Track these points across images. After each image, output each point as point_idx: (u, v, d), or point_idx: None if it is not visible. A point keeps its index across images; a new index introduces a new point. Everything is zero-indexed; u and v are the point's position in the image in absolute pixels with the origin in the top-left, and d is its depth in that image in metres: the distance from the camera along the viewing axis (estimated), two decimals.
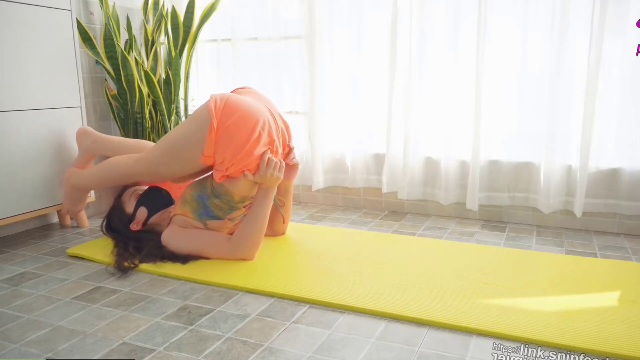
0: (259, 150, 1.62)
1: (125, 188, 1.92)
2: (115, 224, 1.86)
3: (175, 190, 1.94)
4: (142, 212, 1.83)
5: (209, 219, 1.73)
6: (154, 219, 1.84)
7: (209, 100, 1.66)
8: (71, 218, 2.24)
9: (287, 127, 1.80)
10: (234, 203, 1.70)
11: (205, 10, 2.45)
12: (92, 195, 2.19)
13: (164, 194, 1.89)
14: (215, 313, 1.36)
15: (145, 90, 2.34)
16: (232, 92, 1.84)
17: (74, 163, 2.06)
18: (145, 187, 1.90)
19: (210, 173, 1.74)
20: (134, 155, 1.85)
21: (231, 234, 1.79)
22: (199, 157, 1.65)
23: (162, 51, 2.52)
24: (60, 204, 2.07)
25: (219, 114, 1.61)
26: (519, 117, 2.14)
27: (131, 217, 1.83)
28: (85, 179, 1.98)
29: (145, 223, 1.84)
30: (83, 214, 2.18)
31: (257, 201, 1.70)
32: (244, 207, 1.74)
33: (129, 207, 1.84)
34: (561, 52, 1.98)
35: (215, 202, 1.71)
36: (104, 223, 1.91)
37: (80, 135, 2.04)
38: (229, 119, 1.60)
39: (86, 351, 1.18)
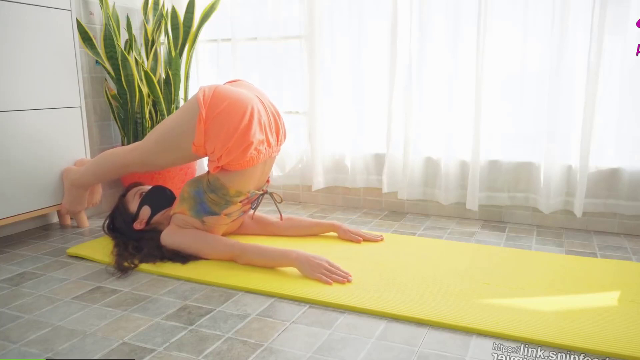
0: (252, 137, 1.61)
1: (129, 188, 1.93)
2: (119, 223, 1.87)
3: (176, 190, 1.95)
4: (146, 211, 1.83)
5: (206, 215, 1.73)
6: (157, 217, 1.84)
7: (198, 92, 1.67)
8: (71, 218, 2.24)
9: (279, 116, 1.79)
10: (229, 197, 1.71)
11: (205, 10, 2.44)
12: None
13: (167, 193, 1.89)
14: (215, 313, 1.36)
15: (145, 90, 2.34)
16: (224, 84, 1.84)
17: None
18: (149, 187, 1.90)
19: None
20: (128, 146, 1.86)
21: (227, 234, 1.80)
22: (190, 148, 1.66)
23: (162, 51, 2.52)
24: (60, 204, 2.07)
25: (207, 104, 1.62)
26: (519, 117, 2.13)
27: (134, 216, 1.84)
28: (82, 174, 1.99)
29: (148, 222, 1.84)
30: (83, 214, 2.18)
31: (279, 252, 1.64)
32: (240, 201, 1.74)
33: (133, 206, 1.85)
34: (561, 52, 1.98)
35: (211, 197, 1.71)
36: (107, 222, 1.91)
37: (65, 173, 2.05)
38: (218, 107, 1.61)
39: (86, 351, 1.18)
